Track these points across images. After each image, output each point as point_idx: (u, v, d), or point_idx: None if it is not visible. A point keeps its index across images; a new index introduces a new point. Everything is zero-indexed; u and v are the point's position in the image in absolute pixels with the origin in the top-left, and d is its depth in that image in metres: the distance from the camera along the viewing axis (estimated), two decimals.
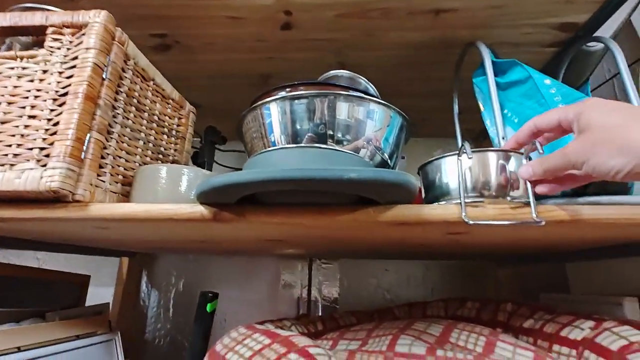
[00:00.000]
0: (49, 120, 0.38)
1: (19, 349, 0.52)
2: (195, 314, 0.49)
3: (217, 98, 0.80)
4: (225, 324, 0.92)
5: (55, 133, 0.37)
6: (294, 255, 0.91)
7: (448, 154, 0.39)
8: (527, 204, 0.34)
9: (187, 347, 0.47)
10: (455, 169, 0.37)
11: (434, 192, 0.40)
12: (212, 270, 0.98)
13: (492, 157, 0.37)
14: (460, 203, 0.34)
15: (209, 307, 0.49)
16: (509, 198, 0.36)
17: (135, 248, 0.80)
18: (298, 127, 0.40)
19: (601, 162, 0.29)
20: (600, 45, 0.54)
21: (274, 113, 0.42)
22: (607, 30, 0.62)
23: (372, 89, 0.52)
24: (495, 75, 0.50)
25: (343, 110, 0.39)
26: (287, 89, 0.41)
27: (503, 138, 0.47)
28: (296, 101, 0.39)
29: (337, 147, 0.37)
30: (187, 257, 0.99)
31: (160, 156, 0.55)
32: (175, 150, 0.59)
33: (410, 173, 0.33)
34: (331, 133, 0.40)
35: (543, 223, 0.33)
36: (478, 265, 0.92)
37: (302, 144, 0.37)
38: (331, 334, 0.54)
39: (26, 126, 0.38)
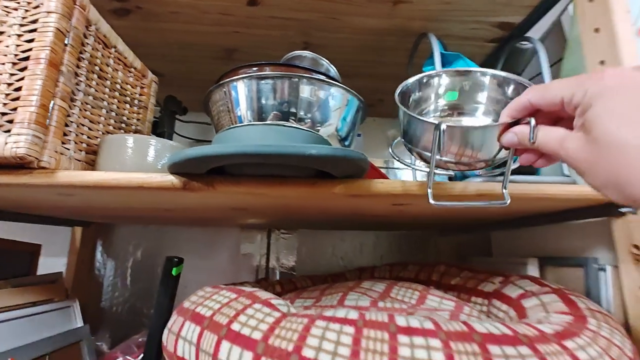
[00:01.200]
0: (9, 84, 0.38)
1: None
2: (161, 278, 0.52)
3: (178, 68, 0.79)
4: (187, 290, 0.95)
5: (17, 99, 0.37)
6: (255, 226, 0.96)
7: (429, 118, 0.40)
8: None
9: (154, 308, 0.51)
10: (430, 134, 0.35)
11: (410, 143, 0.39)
12: (172, 239, 0.99)
13: (466, 131, 0.34)
14: (430, 172, 0.34)
15: (174, 271, 0.52)
16: (481, 171, 0.40)
17: (95, 217, 0.79)
18: (263, 104, 0.44)
19: (597, 186, 0.24)
20: (530, 45, 0.62)
21: (240, 91, 0.44)
22: (542, 29, 0.71)
23: (333, 70, 0.56)
24: (443, 65, 0.56)
25: (305, 91, 0.43)
26: (254, 68, 0.43)
27: None
28: (262, 81, 0.42)
29: (299, 126, 0.41)
30: (147, 227, 0.99)
31: (123, 125, 0.55)
32: (137, 120, 0.59)
33: (367, 148, 0.38)
34: (294, 112, 0.43)
35: (508, 202, 0.34)
36: (421, 234, 1.03)
37: (267, 122, 0.40)
38: (289, 294, 0.60)
39: None
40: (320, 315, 0.31)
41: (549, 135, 0.27)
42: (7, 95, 0.38)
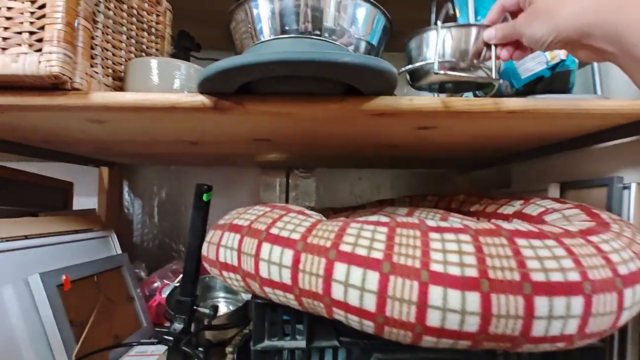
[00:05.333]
0: (33, 2, 0.37)
1: (25, 237, 0.56)
2: (193, 203, 0.55)
3: (190, 1, 0.75)
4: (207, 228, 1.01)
5: (43, 16, 0.37)
6: (274, 164, 0.97)
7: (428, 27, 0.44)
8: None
9: (189, 230, 0.54)
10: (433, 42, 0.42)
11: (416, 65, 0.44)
12: (194, 180, 1.02)
13: (465, 31, 0.41)
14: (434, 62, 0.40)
15: (205, 197, 0.54)
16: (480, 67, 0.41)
17: (120, 156, 0.82)
18: (287, 21, 0.42)
19: (532, 33, 0.33)
20: None
21: (263, 7, 0.43)
22: None
23: None
24: None
25: (332, 5, 0.41)
26: None
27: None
28: None
29: (329, 39, 0.40)
30: (167, 169, 1.02)
31: (143, 54, 0.55)
32: (156, 50, 0.58)
33: None
34: (319, 27, 0.42)
35: (500, 81, 0.40)
36: (439, 173, 1.03)
37: (295, 35, 0.39)
38: None
39: (9, 8, 0.37)
40: (353, 219, 0.33)
41: (507, 22, 0.37)
42: (32, 13, 0.37)
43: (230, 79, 0.36)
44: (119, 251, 0.77)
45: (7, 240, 0.52)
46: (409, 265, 0.28)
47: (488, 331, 0.26)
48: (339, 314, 0.30)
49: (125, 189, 1.03)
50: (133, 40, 0.52)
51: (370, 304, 0.28)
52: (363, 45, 0.44)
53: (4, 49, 0.37)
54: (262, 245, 0.34)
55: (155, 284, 0.80)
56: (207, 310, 0.54)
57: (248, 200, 1.03)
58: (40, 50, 0.37)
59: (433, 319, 0.27)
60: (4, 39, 0.37)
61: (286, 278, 0.32)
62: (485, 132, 0.52)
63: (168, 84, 0.44)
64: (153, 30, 0.58)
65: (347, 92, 0.40)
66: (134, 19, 0.52)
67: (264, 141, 0.60)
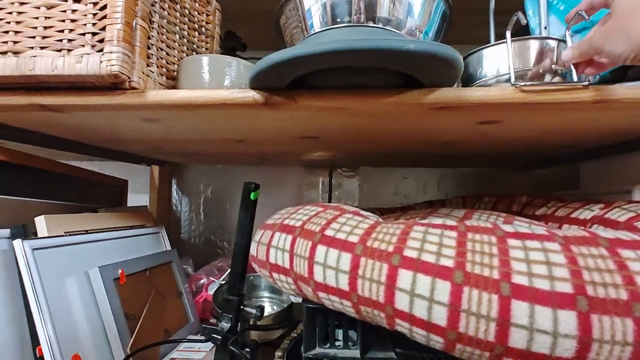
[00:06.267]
0: (95, 4, 0.38)
1: (86, 232, 0.59)
2: (240, 202, 0.54)
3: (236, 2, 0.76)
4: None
5: (104, 17, 0.38)
6: (318, 163, 0.96)
7: (492, 44, 0.40)
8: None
9: (236, 229, 0.54)
10: (496, 58, 0.38)
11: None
12: (238, 178, 1.04)
13: (534, 44, 0.39)
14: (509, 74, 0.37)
15: (252, 196, 0.54)
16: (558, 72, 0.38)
17: (170, 154, 0.84)
18: (339, 12, 0.40)
19: (611, 49, 0.31)
20: None
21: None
22: None
23: None
24: None
25: None
26: None
27: (545, 28, 0.46)
28: None
29: (385, 27, 0.37)
30: (213, 167, 1.04)
31: (194, 54, 0.55)
32: (206, 49, 0.59)
33: None
34: (373, 18, 0.39)
35: (587, 82, 0.35)
36: (491, 172, 0.96)
37: (351, 24, 0.37)
38: None
39: (73, 10, 0.39)
40: (416, 222, 0.30)
41: (583, 40, 0.35)
42: (94, 15, 0.38)
43: (283, 73, 0.34)
44: (169, 247, 0.79)
45: (71, 235, 0.55)
46: (485, 275, 0.25)
47: (587, 359, 0.22)
48: (402, 326, 0.28)
49: (174, 186, 1.07)
50: (185, 40, 0.52)
51: (440, 318, 0.25)
52: (419, 36, 0.40)
53: (69, 50, 0.38)
54: (317, 248, 0.32)
55: (202, 280, 0.81)
56: (253, 310, 0.54)
57: (291, 199, 1.02)
58: (101, 50, 0.38)
59: (517, 339, 0.23)
60: (69, 40, 0.38)
61: (343, 284, 0.30)
62: (556, 126, 0.47)
63: (219, 81, 0.44)
64: (203, 29, 0.58)
65: (404, 84, 0.37)
66: (186, 19, 0.53)
67: (311, 139, 0.58)
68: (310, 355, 0.36)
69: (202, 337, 0.60)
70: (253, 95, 0.39)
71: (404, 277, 0.27)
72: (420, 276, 0.26)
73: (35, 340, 0.48)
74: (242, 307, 0.54)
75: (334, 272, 0.30)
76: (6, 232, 0.50)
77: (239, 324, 0.54)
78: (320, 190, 1.00)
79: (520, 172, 0.88)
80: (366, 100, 0.37)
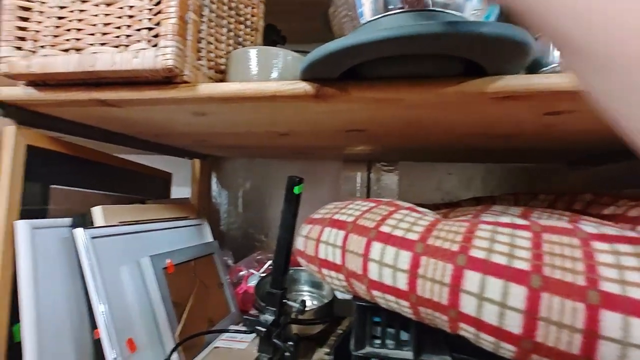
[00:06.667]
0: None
1: (137, 222, 0.62)
2: (284, 196, 0.54)
3: None
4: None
5: (159, 12, 0.38)
6: (357, 157, 0.94)
7: None
8: None
9: (280, 223, 0.53)
10: None
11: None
12: (276, 172, 1.04)
13: None
14: None
15: (296, 190, 0.53)
16: None
17: (212, 148, 0.86)
18: None
19: None
20: None
21: None
22: None
23: None
24: None
25: None
26: None
27: None
28: None
29: (446, 10, 0.35)
30: (252, 161, 1.06)
31: (240, 47, 0.55)
32: (251, 42, 0.59)
33: None
34: (429, 3, 0.37)
35: None
36: (545, 167, 0.90)
37: (406, 9, 0.35)
38: None
39: (130, 7, 0.39)
40: (481, 220, 0.28)
41: None
42: (150, 10, 0.39)
43: (338, 63, 0.33)
44: (211, 239, 0.81)
45: (124, 225, 0.58)
46: (567, 281, 0.22)
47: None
48: (467, 331, 0.26)
49: (214, 180, 1.09)
50: (232, 33, 0.52)
51: (514, 325, 0.23)
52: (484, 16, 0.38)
53: (126, 45, 0.39)
54: (372, 244, 0.31)
55: (242, 272, 0.83)
56: (296, 304, 0.54)
57: (328, 193, 1.01)
58: (156, 45, 0.38)
59: (609, 354, 0.21)
60: (127, 36, 0.39)
61: (401, 283, 0.28)
62: None
63: (266, 73, 0.43)
64: (248, 22, 0.58)
65: (463, 73, 0.35)
66: (233, 12, 0.53)
67: (358, 132, 0.56)
68: (360, 354, 0.35)
69: (245, 328, 0.61)
70: (304, 86, 0.38)
71: (471, 278, 0.25)
72: (490, 279, 0.24)
73: (93, 324, 0.50)
74: (284, 300, 0.54)
75: (391, 271, 0.29)
76: (68, 221, 0.53)
77: (282, 317, 0.55)
78: (358, 185, 0.98)
79: (580, 167, 0.81)
80: (424, 91, 0.35)
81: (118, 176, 0.69)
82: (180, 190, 1.07)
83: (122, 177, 0.71)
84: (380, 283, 0.30)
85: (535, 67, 0.39)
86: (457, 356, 0.34)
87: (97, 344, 0.49)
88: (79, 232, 0.49)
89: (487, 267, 0.25)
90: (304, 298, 0.72)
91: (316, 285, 0.72)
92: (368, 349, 0.35)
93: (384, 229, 0.31)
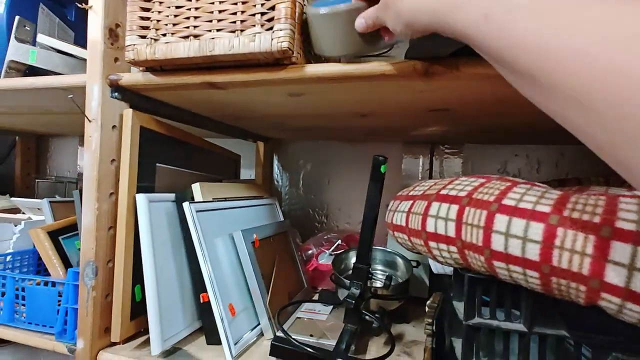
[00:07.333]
0: None
1: (225, 199, 0.66)
2: (370, 174, 0.56)
3: None
4: (344, 209, 1.05)
5: None
6: (419, 140, 0.94)
7: None
8: None
9: (365, 201, 0.55)
10: None
11: None
12: (335, 155, 1.06)
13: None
14: None
15: (382, 169, 0.55)
16: None
17: (285, 129, 0.88)
18: None
19: (392, 26, 0.32)
20: None
21: None
22: None
23: None
24: None
25: None
26: None
27: None
28: None
29: None
30: (312, 143, 1.08)
31: None
32: None
33: None
34: None
35: None
36: None
37: None
38: None
39: None
40: (620, 194, 0.28)
41: (372, 10, 0.35)
42: None
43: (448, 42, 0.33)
44: (282, 218, 0.85)
45: (217, 201, 0.62)
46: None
47: None
48: (610, 301, 0.26)
49: (275, 162, 1.13)
50: None
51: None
52: None
53: (241, 30, 0.42)
54: (495, 217, 0.32)
55: (310, 251, 0.86)
56: (382, 280, 0.56)
57: (388, 177, 1.02)
58: (270, 28, 0.41)
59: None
60: (242, 21, 0.42)
61: (532, 254, 0.29)
62: None
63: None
64: None
65: None
66: None
67: (440, 111, 0.56)
68: (471, 324, 0.36)
69: (338, 301, 0.64)
70: (413, 64, 0.39)
71: (619, 249, 0.25)
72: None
73: (198, 288, 0.56)
74: (370, 275, 0.56)
75: (519, 242, 0.30)
76: (171, 196, 0.58)
77: (367, 290, 0.57)
78: (420, 168, 0.98)
79: None
80: None
81: (202, 157, 0.74)
82: (244, 172, 1.12)
83: (205, 157, 0.75)
84: (507, 254, 0.31)
85: None
86: (573, 331, 0.34)
87: (203, 307, 0.55)
88: (188, 206, 0.53)
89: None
90: (378, 277, 0.74)
91: (390, 264, 0.74)
92: (478, 319, 0.36)
93: (507, 202, 0.32)
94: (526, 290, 0.33)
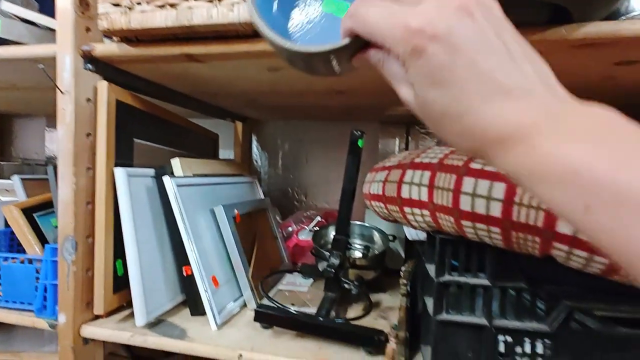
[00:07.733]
0: None
1: (206, 175, 0.66)
2: (348, 149, 0.57)
3: None
4: (329, 186, 1.06)
5: None
6: (395, 119, 0.96)
7: None
8: None
9: (344, 175, 0.57)
10: None
11: None
12: (313, 134, 1.08)
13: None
14: None
15: (360, 143, 0.57)
16: None
17: (259, 108, 0.88)
18: None
19: (444, 137, 0.23)
20: None
21: None
22: None
23: None
24: None
25: None
26: None
27: None
28: None
29: None
30: (288, 123, 1.09)
31: None
32: None
33: None
34: None
35: None
36: None
37: None
38: None
39: None
40: None
41: (391, 70, 0.24)
42: None
43: None
44: (261, 195, 0.86)
45: (198, 176, 0.62)
46: None
47: None
48: (560, 249, 0.30)
49: (254, 142, 1.13)
50: None
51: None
52: None
53: (219, 0, 0.42)
54: (464, 179, 0.34)
55: (290, 228, 0.88)
56: (360, 251, 0.59)
57: (365, 155, 1.04)
58: None
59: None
60: None
61: (495, 211, 0.32)
62: None
63: None
64: None
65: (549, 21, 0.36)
66: None
67: None
68: (441, 281, 0.39)
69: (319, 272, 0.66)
70: None
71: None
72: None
73: (180, 262, 0.56)
74: (349, 245, 0.59)
75: (484, 201, 0.33)
76: (151, 171, 0.58)
77: (346, 261, 0.60)
78: (397, 148, 1.01)
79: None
80: None
81: (181, 134, 0.74)
82: (223, 153, 1.11)
83: (184, 135, 0.75)
84: (473, 213, 0.33)
85: (613, 16, 0.40)
86: (530, 283, 0.38)
87: (185, 280, 0.56)
88: (168, 179, 0.53)
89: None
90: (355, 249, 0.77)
91: (368, 238, 0.77)
92: (447, 277, 0.40)
93: (474, 165, 0.34)
94: (490, 247, 0.37)
